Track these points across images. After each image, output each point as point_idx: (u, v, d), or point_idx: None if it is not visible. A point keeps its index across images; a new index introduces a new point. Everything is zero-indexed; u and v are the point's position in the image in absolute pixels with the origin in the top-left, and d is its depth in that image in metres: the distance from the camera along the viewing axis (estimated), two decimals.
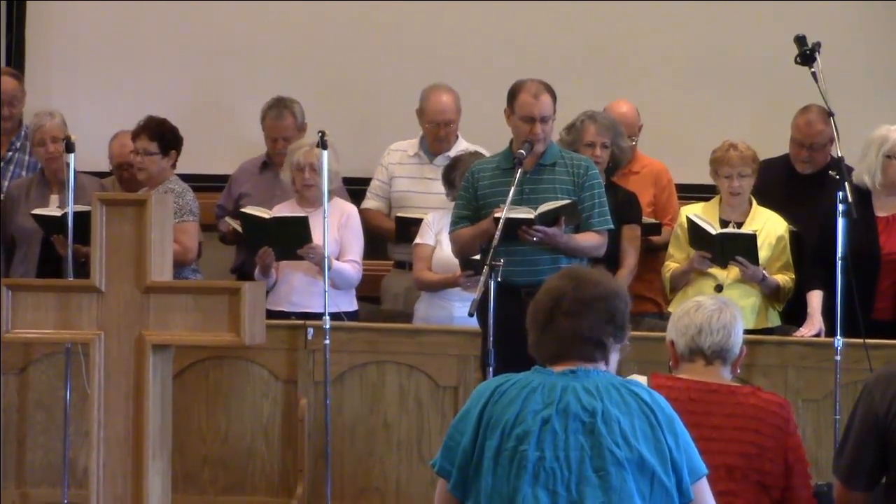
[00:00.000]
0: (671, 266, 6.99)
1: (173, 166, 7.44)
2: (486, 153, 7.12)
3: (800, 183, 7.20)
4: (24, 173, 8.05)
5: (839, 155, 6.52)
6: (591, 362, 3.71)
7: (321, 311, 6.76)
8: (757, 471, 4.39)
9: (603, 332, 3.71)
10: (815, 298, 6.68)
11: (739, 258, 6.74)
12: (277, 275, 7.17)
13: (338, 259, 7.11)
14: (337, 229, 7.16)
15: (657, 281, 7.21)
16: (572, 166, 6.33)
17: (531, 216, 6.11)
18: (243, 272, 7.67)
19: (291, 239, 6.96)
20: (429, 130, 7.68)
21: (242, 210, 7.22)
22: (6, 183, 8.00)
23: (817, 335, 6.64)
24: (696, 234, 6.83)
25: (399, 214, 7.55)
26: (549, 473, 3.58)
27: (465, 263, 6.76)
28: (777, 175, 7.25)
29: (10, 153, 8.17)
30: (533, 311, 3.75)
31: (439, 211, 7.25)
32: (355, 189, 7.66)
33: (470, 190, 6.38)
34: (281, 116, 7.83)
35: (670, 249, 7.05)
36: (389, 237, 7.66)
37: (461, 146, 7.64)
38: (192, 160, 7.79)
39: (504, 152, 6.40)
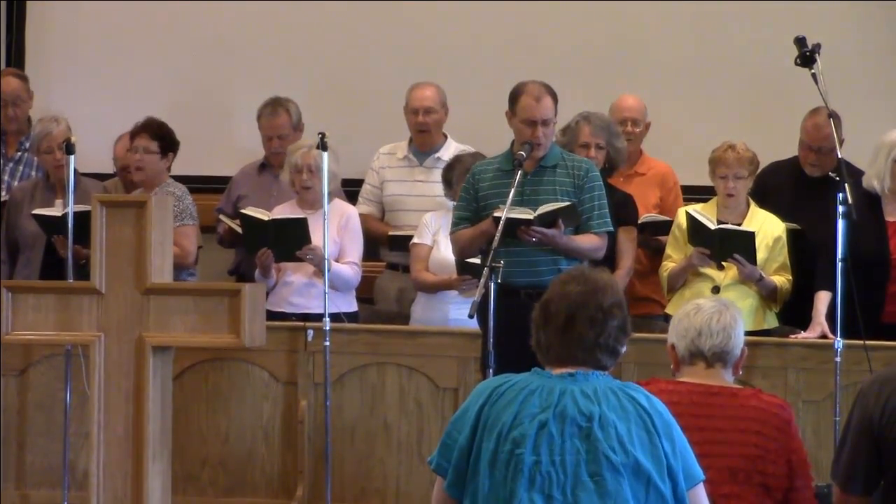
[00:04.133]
0: (668, 266, 6.98)
1: (168, 169, 7.44)
2: (484, 154, 7.11)
3: (808, 185, 7.19)
4: (33, 173, 8.05)
5: (839, 156, 6.52)
6: (602, 369, 3.72)
7: (320, 311, 6.76)
8: (760, 472, 4.39)
9: (619, 340, 3.73)
10: (822, 301, 6.65)
11: (737, 256, 6.73)
12: (278, 276, 7.17)
13: (337, 261, 7.11)
14: (337, 231, 7.16)
15: None
16: (573, 168, 6.33)
17: (530, 216, 6.11)
18: (241, 274, 7.67)
19: (290, 240, 6.96)
20: (411, 122, 7.71)
21: (242, 211, 7.22)
22: (16, 183, 8.02)
23: (822, 338, 6.63)
24: (696, 228, 6.82)
25: (392, 233, 7.55)
26: (545, 478, 3.58)
27: (463, 268, 6.76)
28: (786, 177, 7.25)
29: (20, 153, 8.18)
30: (545, 312, 3.74)
31: (437, 211, 7.26)
32: (348, 190, 7.64)
33: (470, 191, 6.38)
34: (275, 114, 7.84)
35: (668, 250, 7.04)
36: (381, 241, 7.67)
37: (451, 147, 7.66)
38: (191, 162, 7.80)
39: (505, 154, 6.40)
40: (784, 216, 6.97)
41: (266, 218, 7.05)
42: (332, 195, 7.14)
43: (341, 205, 7.31)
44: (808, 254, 6.88)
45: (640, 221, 7.23)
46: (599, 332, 3.69)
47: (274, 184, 7.78)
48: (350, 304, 7.23)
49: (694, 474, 3.70)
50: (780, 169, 7.28)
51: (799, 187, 7.21)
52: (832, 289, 6.46)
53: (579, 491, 3.57)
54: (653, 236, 7.35)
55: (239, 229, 7.52)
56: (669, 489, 3.62)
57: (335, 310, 6.89)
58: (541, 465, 3.59)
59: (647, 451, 3.61)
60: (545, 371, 3.73)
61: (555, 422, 3.61)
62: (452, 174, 7.12)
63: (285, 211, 7.21)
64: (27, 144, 8.12)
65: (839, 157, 6.51)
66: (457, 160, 7.22)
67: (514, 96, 6.31)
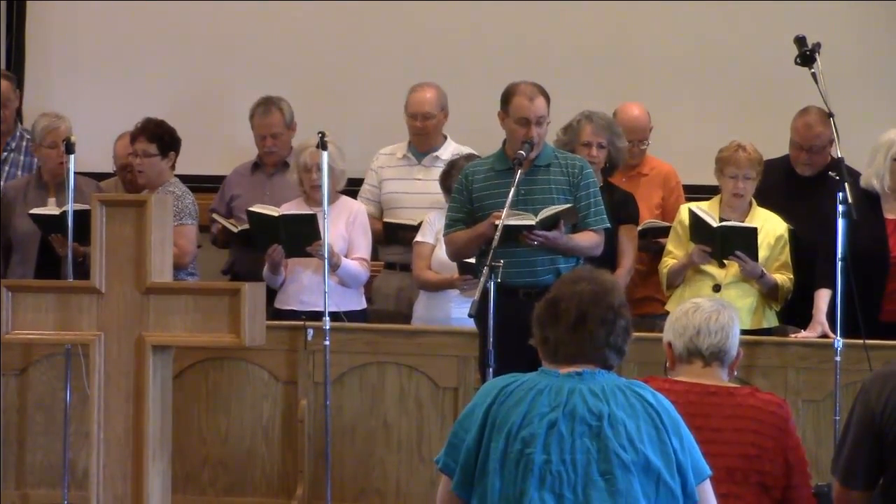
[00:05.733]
0: (669, 262, 6.98)
1: (172, 168, 7.45)
2: (479, 154, 7.11)
3: (800, 184, 7.20)
4: (20, 173, 8.05)
5: (839, 156, 6.52)
6: (609, 368, 3.74)
7: (331, 309, 6.76)
8: (758, 472, 4.39)
9: (625, 340, 3.75)
10: (822, 300, 6.65)
11: (738, 253, 6.73)
12: (286, 273, 7.18)
13: (346, 257, 7.13)
14: (345, 227, 7.19)
15: None
16: (567, 166, 6.32)
17: (532, 223, 6.10)
18: (234, 273, 7.67)
19: (300, 236, 6.97)
20: (409, 125, 7.72)
21: (250, 209, 7.22)
22: (2, 183, 8.01)
23: (822, 337, 6.62)
24: (698, 225, 6.82)
25: (387, 220, 7.57)
26: (556, 477, 3.59)
27: (463, 267, 6.75)
28: (778, 176, 7.24)
29: (6, 153, 8.18)
30: (554, 310, 3.74)
31: (440, 210, 7.25)
32: (345, 190, 7.65)
33: (464, 192, 6.36)
34: (268, 113, 7.85)
35: (669, 246, 7.03)
36: (379, 240, 7.68)
37: (450, 147, 7.67)
38: (190, 161, 7.80)
39: (497, 154, 6.39)
40: (777, 215, 6.98)
41: (276, 214, 7.06)
42: (339, 193, 7.18)
43: (349, 201, 7.34)
44: (800, 252, 6.89)
45: (640, 228, 7.24)
46: (609, 331, 3.71)
47: (267, 183, 7.81)
48: (359, 302, 7.25)
49: (701, 470, 3.72)
50: (772, 168, 7.26)
51: (790, 186, 7.21)
52: (832, 287, 6.46)
53: (590, 489, 3.58)
54: (654, 239, 7.34)
55: (233, 228, 7.54)
56: (679, 485, 3.64)
57: (345, 307, 6.91)
58: (551, 464, 3.59)
59: (656, 448, 3.63)
60: (552, 370, 3.73)
61: (564, 421, 3.62)
62: (451, 181, 7.10)
63: (293, 209, 7.22)
64: (13, 145, 8.13)
65: (839, 155, 6.51)
66: (452, 166, 7.21)
67: (507, 97, 6.30)
